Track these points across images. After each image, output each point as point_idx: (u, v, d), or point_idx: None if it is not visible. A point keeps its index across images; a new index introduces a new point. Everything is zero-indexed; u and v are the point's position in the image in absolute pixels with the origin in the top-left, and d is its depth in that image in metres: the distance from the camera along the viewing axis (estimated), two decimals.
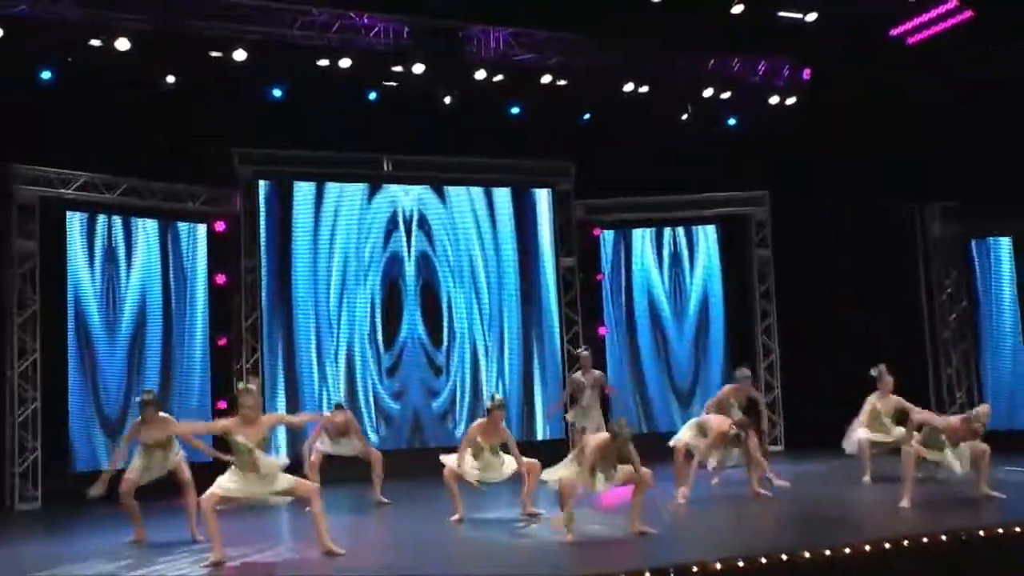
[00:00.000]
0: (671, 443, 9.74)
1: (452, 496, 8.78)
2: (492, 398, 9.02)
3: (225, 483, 7.17)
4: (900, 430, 9.53)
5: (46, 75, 10.68)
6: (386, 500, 9.96)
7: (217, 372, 12.33)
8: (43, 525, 10.06)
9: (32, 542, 9.21)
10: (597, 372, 12.12)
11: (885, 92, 12.48)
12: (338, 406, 10.27)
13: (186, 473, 8.30)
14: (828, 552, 6.72)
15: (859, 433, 9.93)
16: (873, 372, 9.85)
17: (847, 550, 6.77)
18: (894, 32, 12.67)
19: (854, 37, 12.50)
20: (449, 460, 8.87)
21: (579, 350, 12.62)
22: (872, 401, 9.93)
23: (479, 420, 9.00)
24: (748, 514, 9.02)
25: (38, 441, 10.85)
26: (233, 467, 7.21)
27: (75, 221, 11.54)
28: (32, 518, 10.44)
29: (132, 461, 8.28)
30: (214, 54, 11.21)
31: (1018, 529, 7.23)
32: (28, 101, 10.64)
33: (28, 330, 10.93)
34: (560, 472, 7.90)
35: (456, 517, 8.71)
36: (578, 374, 12.09)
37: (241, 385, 7.49)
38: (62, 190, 11.34)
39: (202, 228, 12.47)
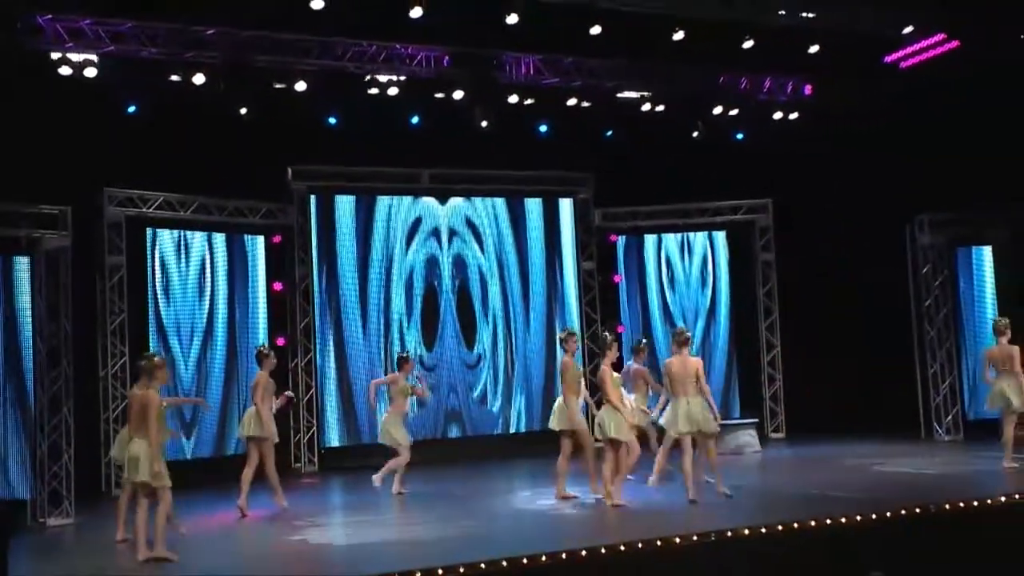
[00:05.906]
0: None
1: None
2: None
3: None
4: None
5: (131, 108, 11.91)
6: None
7: (276, 369, 13.61)
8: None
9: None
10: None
11: (879, 111, 13.78)
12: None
13: None
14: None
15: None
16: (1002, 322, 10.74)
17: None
18: (888, 59, 13.95)
19: (852, 60, 13.76)
20: None
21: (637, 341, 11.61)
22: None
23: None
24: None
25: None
26: None
27: (158, 237, 12.83)
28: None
29: None
30: (277, 85, 12.45)
31: None
32: (116, 132, 11.88)
33: (118, 335, 12.22)
34: None
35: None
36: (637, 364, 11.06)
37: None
38: (143, 209, 12.61)
39: (261, 240, 13.76)
